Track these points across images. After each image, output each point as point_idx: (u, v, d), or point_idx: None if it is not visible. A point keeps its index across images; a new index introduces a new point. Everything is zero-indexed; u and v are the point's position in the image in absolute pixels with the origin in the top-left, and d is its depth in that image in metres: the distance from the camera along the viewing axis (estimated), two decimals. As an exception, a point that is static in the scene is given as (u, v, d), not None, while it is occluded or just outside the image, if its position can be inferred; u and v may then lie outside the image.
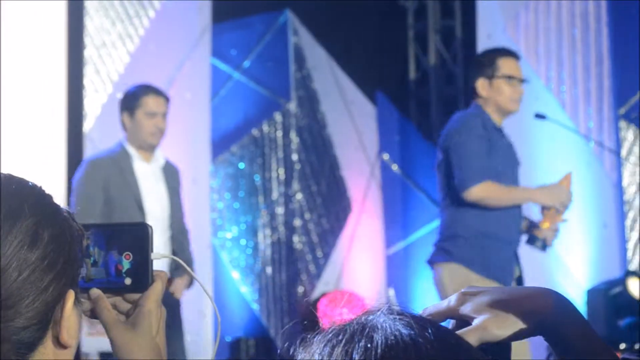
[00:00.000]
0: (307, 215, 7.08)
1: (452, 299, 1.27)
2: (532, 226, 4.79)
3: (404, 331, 0.83)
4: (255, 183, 7.04)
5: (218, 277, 6.69)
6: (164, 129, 4.92)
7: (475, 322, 1.24)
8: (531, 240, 4.78)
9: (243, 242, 6.97)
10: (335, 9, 7.62)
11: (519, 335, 1.25)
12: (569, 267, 6.40)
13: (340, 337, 0.82)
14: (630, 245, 6.36)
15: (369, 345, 0.81)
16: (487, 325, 1.23)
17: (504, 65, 4.81)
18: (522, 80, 4.84)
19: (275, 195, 7.03)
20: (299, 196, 7.07)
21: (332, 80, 7.41)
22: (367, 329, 0.82)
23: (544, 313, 1.27)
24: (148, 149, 4.95)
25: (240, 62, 7.10)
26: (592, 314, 5.95)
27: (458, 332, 1.23)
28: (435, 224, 7.10)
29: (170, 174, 5.05)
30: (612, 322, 5.90)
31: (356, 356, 0.80)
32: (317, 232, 7.11)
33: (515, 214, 4.74)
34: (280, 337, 6.66)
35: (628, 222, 6.39)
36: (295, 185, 7.07)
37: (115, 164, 4.89)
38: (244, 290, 6.90)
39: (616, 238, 6.44)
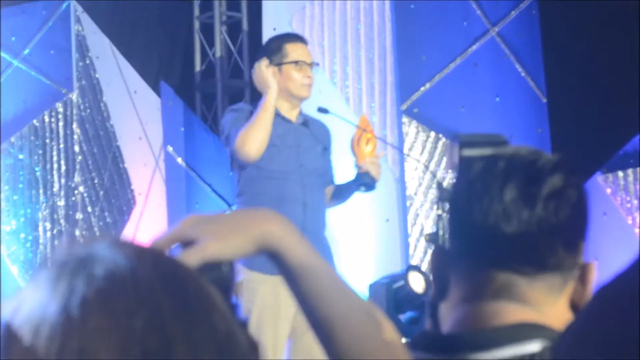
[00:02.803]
0: (89, 209, 6.94)
1: (178, 226, 1.33)
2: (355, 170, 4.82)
3: (123, 262, 0.83)
4: (36, 174, 6.85)
5: (-3, 271, 6.49)
6: None
7: (197, 245, 1.28)
8: (357, 181, 4.80)
9: (22, 235, 6.77)
10: (120, -2, 7.49)
11: (239, 253, 1.32)
12: (352, 261, 6.51)
13: (63, 272, 0.83)
14: (412, 239, 6.53)
15: (90, 277, 0.81)
16: (207, 246, 1.28)
17: (292, 51, 4.84)
18: (311, 65, 4.87)
19: (56, 187, 6.86)
20: (81, 189, 6.91)
21: (115, 70, 7.28)
22: (88, 262, 0.83)
23: (263, 229, 1.32)
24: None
25: (20, 49, 6.89)
26: (375, 308, 6.05)
27: (179, 254, 1.26)
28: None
29: None
30: (393, 316, 6.01)
31: (78, 289, 0.80)
32: (99, 226, 6.98)
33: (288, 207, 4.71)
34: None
35: (410, 217, 6.56)
36: (77, 178, 6.91)
37: None
38: (23, 285, 6.69)
39: (399, 232, 6.59)
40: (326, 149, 5.00)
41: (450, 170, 1.61)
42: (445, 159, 6.55)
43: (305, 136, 4.89)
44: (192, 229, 1.31)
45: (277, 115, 4.81)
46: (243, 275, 4.62)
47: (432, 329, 1.59)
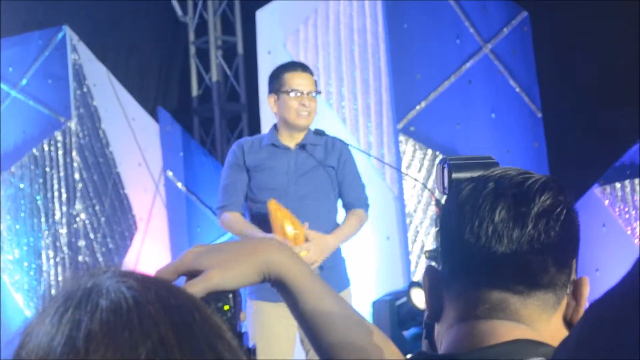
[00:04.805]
0: (91, 235, 6.94)
1: (182, 257, 1.34)
2: None
3: (127, 293, 0.84)
4: (37, 203, 6.85)
5: (1, 300, 6.47)
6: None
7: (202, 275, 1.30)
8: None
9: (26, 264, 6.77)
10: (115, 25, 7.51)
11: (244, 282, 1.34)
12: (355, 279, 6.51)
13: (68, 304, 0.84)
14: (413, 256, 6.52)
15: (95, 310, 0.82)
16: (211, 276, 1.30)
17: (290, 80, 4.83)
18: (311, 93, 4.84)
19: (57, 215, 6.86)
20: (83, 216, 6.92)
21: (113, 97, 7.30)
22: (93, 294, 0.84)
23: (266, 257, 1.35)
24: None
25: (17, 79, 6.90)
26: (378, 325, 6.01)
27: (184, 285, 1.28)
28: (222, 239, 7.08)
29: None
30: (397, 333, 6.01)
31: (83, 322, 0.82)
32: (102, 252, 6.98)
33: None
34: None
35: (410, 234, 6.55)
36: (78, 205, 6.91)
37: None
38: (28, 313, 6.68)
39: (399, 250, 6.58)
40: (330, 167, 4.91)
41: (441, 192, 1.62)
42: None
43: (300, 161, 4.86)
44: (196, 259, 1.33)
45: (273, 145, 4.84)
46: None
47: (429, 350, 1.59)
